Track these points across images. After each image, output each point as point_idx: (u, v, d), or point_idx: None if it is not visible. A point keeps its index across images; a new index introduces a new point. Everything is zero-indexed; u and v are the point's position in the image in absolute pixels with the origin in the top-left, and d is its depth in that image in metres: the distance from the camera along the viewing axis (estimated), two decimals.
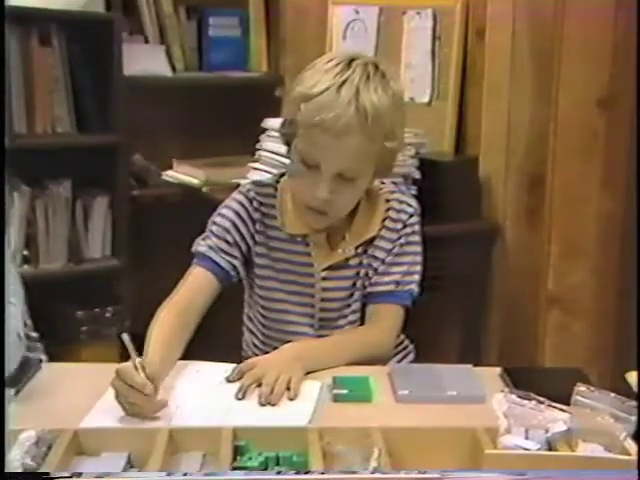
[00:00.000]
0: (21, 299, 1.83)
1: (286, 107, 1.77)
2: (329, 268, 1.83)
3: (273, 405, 1.51)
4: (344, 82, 1.64)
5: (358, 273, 1.84)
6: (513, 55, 2.63)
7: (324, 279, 1.84)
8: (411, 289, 1.84)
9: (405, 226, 1.84)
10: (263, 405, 1.51)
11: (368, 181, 1.78)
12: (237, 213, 1.83)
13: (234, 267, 1.82)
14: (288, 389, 1.54)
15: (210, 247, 1.81)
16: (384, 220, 1.84)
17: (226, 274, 1.81)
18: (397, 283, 1.84)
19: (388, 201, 1.85)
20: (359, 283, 1.85)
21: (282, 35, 3.62)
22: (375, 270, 1.84)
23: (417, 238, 1.87)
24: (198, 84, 3.60)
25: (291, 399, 1.53)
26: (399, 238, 1.84)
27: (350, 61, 1.68)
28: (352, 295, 1.86)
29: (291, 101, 1.73)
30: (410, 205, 1.87)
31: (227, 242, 1.82)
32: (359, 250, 1.83)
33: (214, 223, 1.84)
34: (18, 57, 2.98)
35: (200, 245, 1.83)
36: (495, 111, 2.70)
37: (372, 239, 1.83)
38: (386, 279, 1.84)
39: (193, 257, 1.83)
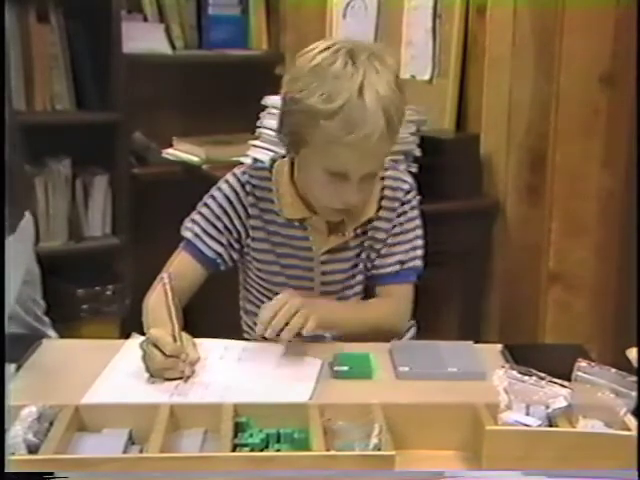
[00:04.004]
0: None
1: (296, 118, 1.65)
2: (328, 252, 1.82)
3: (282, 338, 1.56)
4: (361, 88, 1.57)
5: (358, 255, 1.84)
6: (514, 32, 2.61)
7: (323, 263, 1.83)
8: (415, 265, 1.85)
9: (403, 203, 1.83)
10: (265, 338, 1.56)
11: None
12: (228, 198, 1.81)
13: (220, 255, 1.81)
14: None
15: (196, 235, 1.80)
16: (381, 200, 1.83)
17: (212, 262, 1.81)
18: (402, 262, 1.83)
19: (383, 179, 1.83)
20: (360, 265, 1.84)
21: (282, 13, 3.61)
22: (377, 251, 1.83)
23: (416, 213, 1.86)
24: (198, 62, 3.59)
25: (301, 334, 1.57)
26: (398, 216, 1.83)
27: (352, 57, 1.60)
28: (352, 277, 1.85)
29: (305, 114, 1.62)
30: (405, 181, 1.85)
31: (216, 228, 1.81)
32: (358, 232, 1.82)
33: (205, 205, 1.83)
34: (16, 34, 2.97)
35: (188, 230, 1.82)
36: (496, 88, 2.69)
37: (370, 220, 1.82)
38: (390, 260, 1.83)
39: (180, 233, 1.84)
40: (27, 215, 1.89)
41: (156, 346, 1.50)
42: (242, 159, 2.88)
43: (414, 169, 2.55)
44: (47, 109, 3.08)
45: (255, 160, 2.74)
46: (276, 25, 3.65)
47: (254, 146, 2.85)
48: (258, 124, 2.82)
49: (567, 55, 2.48)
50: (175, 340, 1.52)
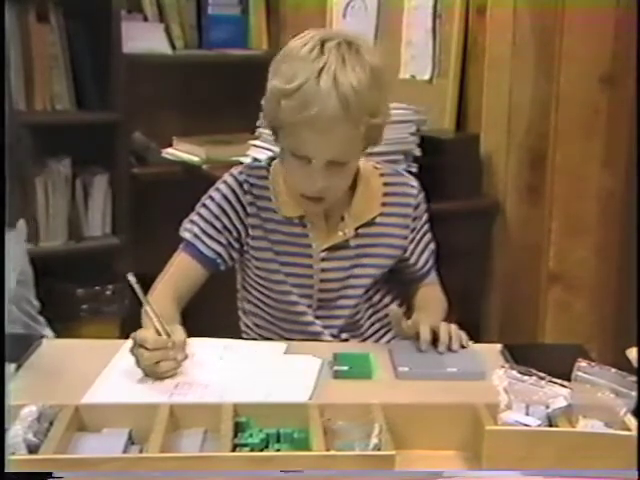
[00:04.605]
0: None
1: (267, 101, 1.71)
2: (328, 249, 1.82)
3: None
4: (321, 70, 1.60)
5: (359, 254, 1.84)
6: (514, 32, 2.61)
7: (323, 260, 1.83)
8: (434, 254, 1.95)
9: (415, 208, 1.87)
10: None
11: (359, 159, 1.78)
12: (226, 197, 1.82)
13: (220, 255, 1.81)
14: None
15: (196, 235, 1.81)
16: (384, 202, 1.84)
17: (212, 262, 1.81)
18: (429, 260, 1.92)
19: (386, 184, 1.85)
20: (360, 264, 1.84)
21: (282, 13, 3.61)
22: (393, 257, 1.86)
23: (425, 209, 1.91)
24: (198, 62, 3.59)
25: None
26: (414, 220, 1.87)
27: (322, 44, 1.63)
28: (352, 277, 1.85)
29: (271, 95, 1.68)
30: (412, 186, 1.88)
31: (215, 228, 1.81)
32: (360, 231, 1.83)
33: (203, 205, 1.84)
34: (16, 34, 2.97)
35: (187, 231, 1.82)
36: (496, 88, 2.69)
37: (372, 220, 1.83)
38: (422, 261, 1.91)
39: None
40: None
41: (141, 346, 1.51)
42: (242, 159, 2.88)
43: (414, 169, 2.55)
44: (47, 109, 3.08)
45: (255, 160, 2.74)
46: (276, 25, 3.65)
47: (254, 146, 2.85)
48: (258, 124, 2.81)
49: (567, 55, 2.48)
50: (159, 334, 1.52)
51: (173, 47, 3.49)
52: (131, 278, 1.54)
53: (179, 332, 1.56)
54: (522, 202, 2.66)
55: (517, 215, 2.68)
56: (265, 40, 3.67)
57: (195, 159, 3.27)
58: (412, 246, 1.88)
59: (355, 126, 1.64)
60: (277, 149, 2.64)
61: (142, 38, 3.33)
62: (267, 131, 2.76)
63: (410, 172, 2.31)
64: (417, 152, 2.63)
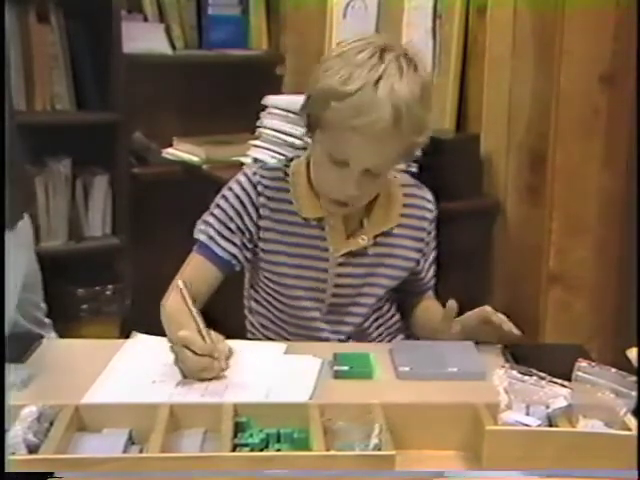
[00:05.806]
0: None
1: (314, 97, 1.68)
2: (346, 254, 1.81)
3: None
4: (379, 79, 1.59)
5: (375, 263, 1.83)
6: (514, 32, 2.61)
7: (340, 265, 1.81)
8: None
9: (431, 222, 1.88)
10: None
11: (390, 171, 1.78)
12: (239, 198, 1.80)
13: (235, 256, 1.80)
14: None
15: (210, 237, 1.79)
16: (403, 213, 1.84)
17: (228, 263, 1.80)
18: (434, 275, 1.94)
19: (406, 196, 1.86)
20: (375, 272, 1.84)
21: (282, 13, 3.61)
22: (404, 268, 1.86)
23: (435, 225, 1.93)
24: (198, 62, 3.59)
25: None
26: (429, 234, 1.88)
27: (382, 52, 1.61)
28: (367, 286, 1.84)
29: (321, 93, 1.64)
30: (429, 200, 1.89)
31: (229, 229, 1.79)
32: (378, 240, 1.82)
33: (217, 206, 1.82)
34: (16, 34, 2.97)
35: (201, 233, 1.81)
36: (496, 88, 2.68)
37: (391, 230, 1.83)
38: (430, 274, 1.93)
39: (193, 235, 1.82)
40: (25, 217, 1.88)
41: (187, 347, 1.49)
42: (242, 159, 2.89)
43: (414, 169, 2.55)
44: (47, 109, 3.09)
45: (255, 160, 2.74)
46: (276, 25, 3.65)
47: (254, 146, 2.85)
48: (258, 124, 2.82)
49: (567, 55, 2.48)
50: (204, 339, 1.51)
51: (173, 47, 3.49)
52: (181, 284, 1.56)
53: (223, 342, 1.56)
54: (522, 202, 2.66)
55: (517, 215, 2.68)
56: (265, 40, 3.67)
57: (195, 159, 3.28)
58: (423, 260, 1.89)
59: (400, 141, 1.65)
60: (278, 149, 2.67)
61: (142, 38, 3.33)
62: (267, 131, 2.79)
63: (410, 172, 2.31)
64: (417, 152, 2.62)
